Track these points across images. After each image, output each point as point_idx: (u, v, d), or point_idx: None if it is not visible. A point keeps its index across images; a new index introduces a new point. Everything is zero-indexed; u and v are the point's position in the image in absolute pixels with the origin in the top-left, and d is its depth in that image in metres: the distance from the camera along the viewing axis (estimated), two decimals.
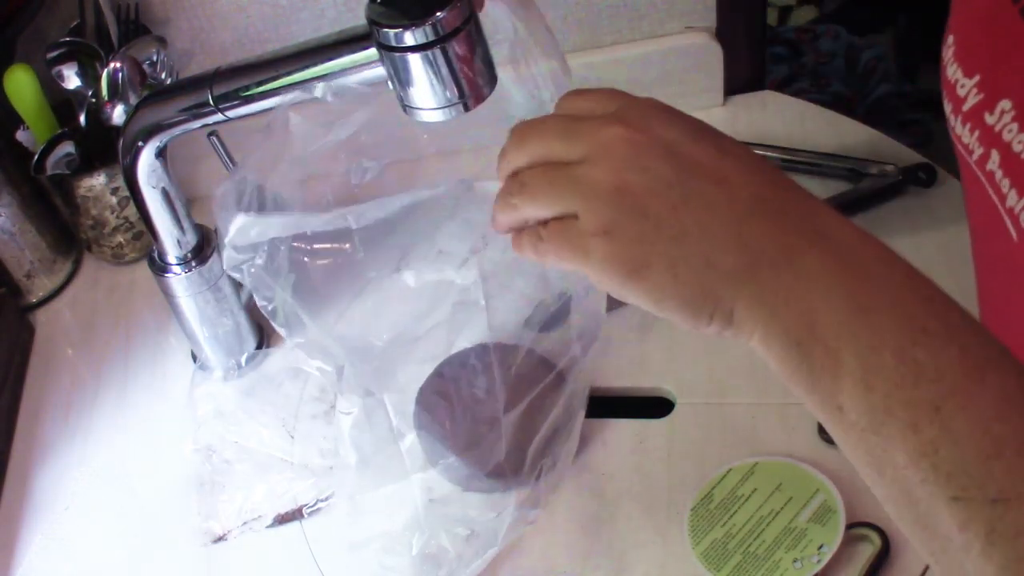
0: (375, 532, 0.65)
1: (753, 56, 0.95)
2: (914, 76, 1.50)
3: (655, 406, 0.74)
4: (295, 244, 0.56)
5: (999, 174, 0.50)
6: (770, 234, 0.39)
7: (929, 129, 1.36)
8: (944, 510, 0.36)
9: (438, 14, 0.49)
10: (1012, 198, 0.49)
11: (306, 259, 0.57)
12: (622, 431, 0.70)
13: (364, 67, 0.54)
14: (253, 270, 0.56)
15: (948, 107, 0.55)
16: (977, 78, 0.52)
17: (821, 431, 0.68)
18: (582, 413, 0.69)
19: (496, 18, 0.54)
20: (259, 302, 0.57)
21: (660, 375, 0.74)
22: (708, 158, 0.41)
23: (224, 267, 0.57)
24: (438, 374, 0.69)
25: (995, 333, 0.39)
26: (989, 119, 0.51)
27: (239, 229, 0.55)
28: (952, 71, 0.54)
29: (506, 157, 0.46)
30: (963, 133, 0.53)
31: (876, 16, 1.56)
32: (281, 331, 0.58)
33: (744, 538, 0.64)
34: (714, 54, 0.92)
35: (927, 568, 0.62)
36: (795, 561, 0.62)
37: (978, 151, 0.52)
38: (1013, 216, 0.50)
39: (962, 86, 0.53)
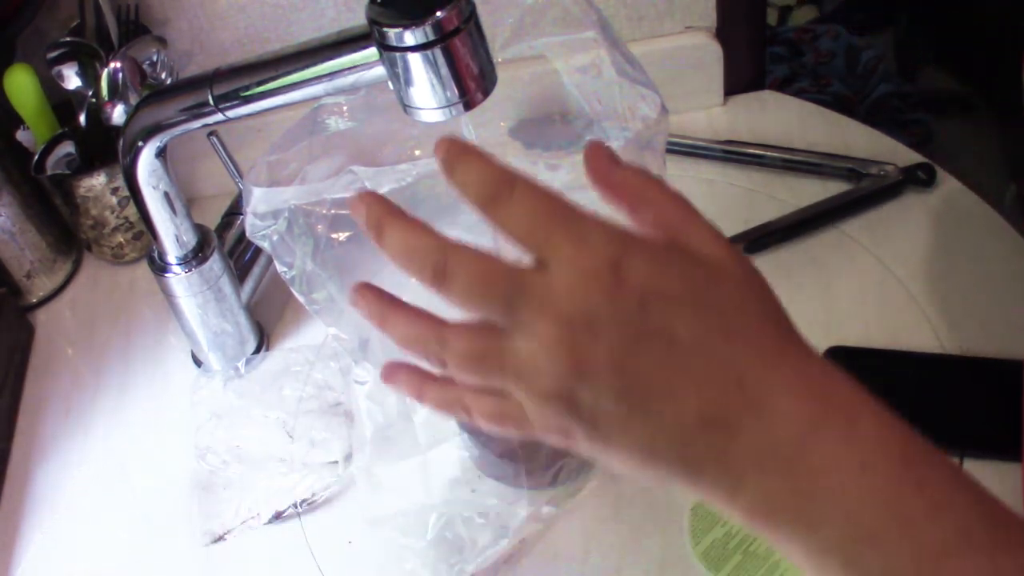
0: (393, 510, 0.65)
1: (753, 56, 0.95)
2: (914, 76, 1.50)
3: None
4: (315, 210, 0.57)
5: None
6: (713, 456, 0.37)
7: (929, 129, 1.36)
8: None
9: (438, 14, 0.49)
10: None
11: (326, 225, 0.57)
12: None
13: (364, 67, 0.54)
14: (275, 237, 0.57)
15: None
16: None
17: None
18: None
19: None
20: (280, 269, 0.58)
21: None
22: (658, 363, 0.37)
23: (247, 234, 0.57)
24: None
25: None
26: None
27: (260, 197, 0.56)
28: None
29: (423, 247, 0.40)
30: None
31: (876, 16, 1.57)
32: (300, 298, 0.58)
33: (744, 538, 0.64)
34: (714, 54, 0.92)
35: None
36: None
37: None
38: None
39: None
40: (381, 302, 0.43)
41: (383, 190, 0.57)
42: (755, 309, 0.38)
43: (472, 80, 0.52)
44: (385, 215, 0.41)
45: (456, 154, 0.40)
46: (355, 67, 0.55)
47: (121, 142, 0.66)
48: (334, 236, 0.58)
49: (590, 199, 0.41)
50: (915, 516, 0.35)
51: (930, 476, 0.36)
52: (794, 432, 0.36)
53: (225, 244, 0.82)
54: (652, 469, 0.38)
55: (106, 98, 0.81)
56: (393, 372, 0.46)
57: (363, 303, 0.43)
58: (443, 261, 0.39)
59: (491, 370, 0.39)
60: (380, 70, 0.53)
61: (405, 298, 0.61)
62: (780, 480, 0.36)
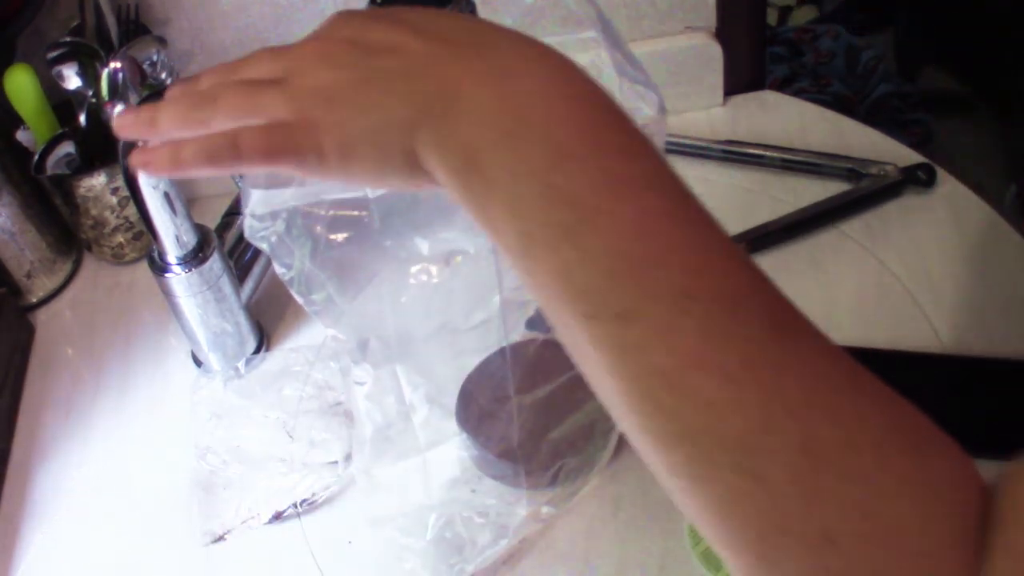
0: (393, 510, 0.65)
1: (753, 56, 0.95)
2: (914, 76, 1.50)
3: None
4: (314, 211, 0.57)
5: None
6: (435, 83, 0.41)
7: (929, 129, 1.36)
8: (582, 330, 0.37)
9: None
10: None
11: (324, 226, 0.57)
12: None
13: None
14: (274, 238, 0.57)
15: None
16: None
17: None
18: None
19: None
20: (278, 270, 0.58)
21: None
22: (383, 36, 0.43)
23: (246, 236, 0.57)
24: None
25: None
26: None
27: (259, 198, 0.56)
28: None
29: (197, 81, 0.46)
30: None
31: (876, 16, 1.57)
32: (299, 299, 0.58)
33: None
34: (714, 54, 0.93)
35: None
36: None
37: None
38: None
39: None
40: (140, 112, 0.46)
41: (382, 190, 0.57)
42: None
43: None
44: (159, 105, 0.46)
45: (129, 129, 0.47)
46: None
47: (121, 142, 0.66)
48: (333, 237, 0.58)
49: None
50: (613, 148, 0.39)
51: (621, 120, 0.40)
52: (506, 64, 0.41)
53: (225, 244, 0.82)
54: (383, 120, 0.42)
55: (106, 98, 0.81)
56: (142, 154, 0.47)
57: (126, 126, 0.47)
58: (207, 92, 0.45)
59: (255, 92, 0.44)
60: None
61: (403, 298, 0.61)
62: (499, 107, 0.40)
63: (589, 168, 0.38)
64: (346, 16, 0.45)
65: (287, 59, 0.44)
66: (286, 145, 0.43)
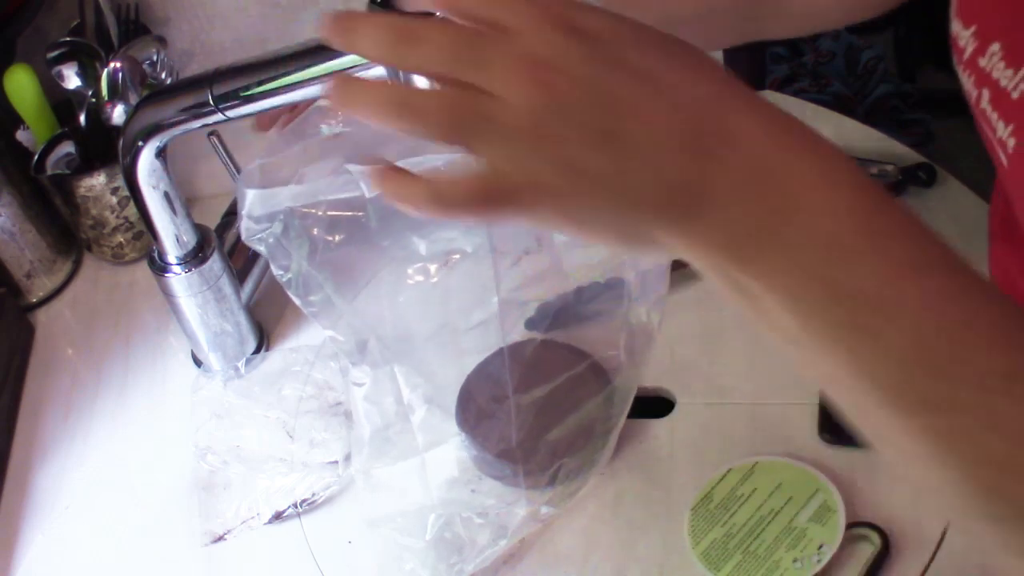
0: (392, 511, 0.65)
1: (753, 56, 0.95)
2: (914, 76, 1.50)
3: (655, 406, 0.74)
4: (311, 212, 0.57)
5: (989, 109, 0.53)
6: (688, 175, 0.37)
7: (929, 129, 1.36)
8: (889, 422, 0.36)
9: (438, 14, 0.49)
10: (1000, 129, 0.51)
11: (322, 228, 0.57)
12: (622, 431, 0.70)
13: (364, 67, 0.54)
14: (271, 240, 0.57)
15: (955, 59, 0.57)
16: (973, 28, 0.54)
17: (821, 431, 0.68)
18: (621, 420, 0.68)
19: None
20: (275, 272, 0.58)
21: (660, 375, 0.74)
22: (629, 91, 0.37)
23: (243, 238, 0.57)
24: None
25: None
26: (982, 62, 0.53)
27: (255, 199, 0.56)
28: (955, 25, 0.56)
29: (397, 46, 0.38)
30: (965, 80, 0.56)
31: (876, 16, 1.56)
32: (297, 300, 0.58)
33: (744, 538, 0.64)
34: (714, 54, 0.92)
35: (927, 568, 0.62)
36: (795, 561, 0.62)
37: (974, 93, 0.54)
38: (1002, 144, 0.52)
39: (962, 38, 0.55)
40: (349, 82, 0.38)
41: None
42: (708, 63, 0.39)
43: None
44: (360, 20, 0.38)
45: (341, 30, 0.38)
46: (355, 67, 0.55)
47: (121, 142, 0.66)
48: (330, 238, 0.58)
49: None
50: (886, 232, 0.36)
51: (887, 200, 0.37)
52: (764, 156, 0.37)
53: (225, 244, 0.82)
54: (627, 202, 0.37)
55: (106, 98, 0.81)
56: (380, 171, 0.40)
57: (332, 85, 0.39)
58: (412, 30, 0.37)
59: (464, 120, 0.37)
60: (380, 70, 0.53)
61: (401, 299, 0.61)
62: (757, 203, 0.36)
63: (868, 259, 0.36)
64: (575, 6, 0.38)
65: (494, 38, 0.37)
66: (505, 208, 0.38)
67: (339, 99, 0.38)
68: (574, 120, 0.36)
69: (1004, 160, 0.53)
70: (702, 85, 0.38)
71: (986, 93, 0.53)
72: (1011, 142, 0.51)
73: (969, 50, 0.55)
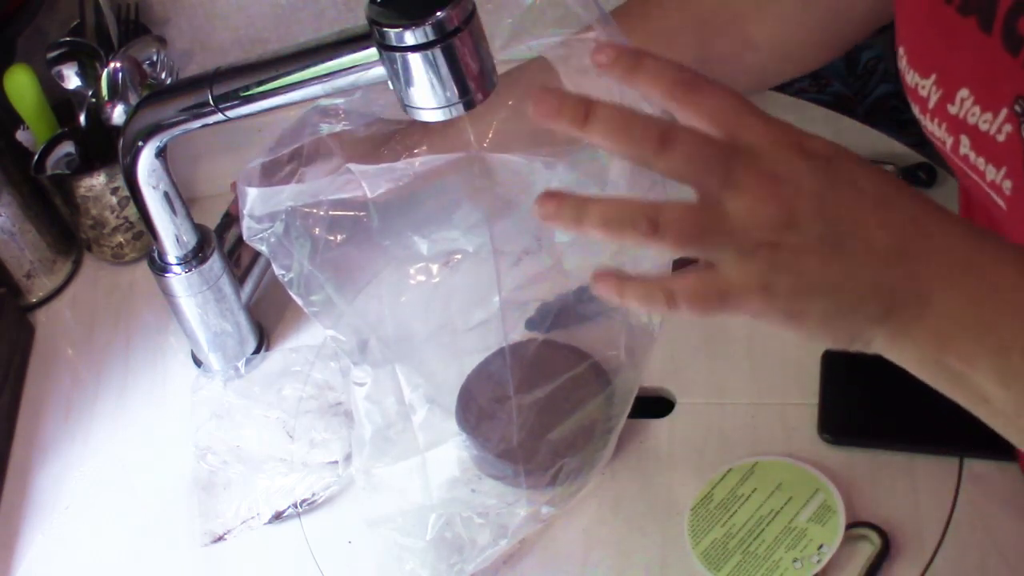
0: (392, 511, 0.65)
1: None
2: None
3: (655, 406, 0.74)
4: (313, 212, 0.57)
5: (972, 155, 0.55)
6: (903, 280, 0.43)
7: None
8: None
9: (438, 14, 0.49)
10: (991, 172, 0.53)
11: (323, 227, 0.57)
12: (622, 431, 0.70)
13: (364, 67, 0.54)
14: (273, 239, 0.57)
15: (915, 109, 0.60)
16: (933, 77, 0.57)
17: (821, 431, 0.68)
18: (622, 420, 0.68)
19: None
20: (277, 271, 0.58)
21: (660, 375, 0.74)
22: (847, 212, 0.43)
23: (244, 237, 0.57)
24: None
25: None
26: (952, 109, 0.55)
27: (256, 199, 0.56)
28: (911, 77, 0.59)
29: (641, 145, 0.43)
30: (934, 128, 0.57)
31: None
32: (298, 300, 0.58)
33: (744, 538, 0.64)
34: None
35: (927, 568, 0.62)
36: (795, 561, 0.62)
37: (949, 140, 0.56)
38: (996, 188, 0.53)
39: (922, 87, 0.58)
40: (567, 201, 0.43)
41: (380, 189, 0.57)
42: (899, 180, 0.46)
43: (472, 80, 0.52)
44: (590, 102, 0.42)
45: (634, 59, 0.44)
46: (355, 67, 0.55)
47: (121, 142, 0.66)
48: (332, 238, 0.58)
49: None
50: None
51: None
52: (964, 251, 0.43)
53: (225, 244, 0.82)
54: (848, 306, 0.43)
55: (106, 98, 0.81)
56: (602, 276, 0.45)
57: (551, 208, 0.43)
58: (663, 134, 0.42)
59: (708, 232, 0.42)
60: (380, 70, 0.53)
61: (402, 299, 0.61)
62: (960, 292, 0.43)
63: None
64: (798, 131, 0.45)
65: (737, 151, 0.43)
66: (724, 300, 0.43)
67: (570, 220, 0.43)
68: (811, 234, 0.42)
69: (1001, 203, 0.54)
70: (904, 193, 0.44)
71: (965, 139, 0.55)
72: (1007, 184, 0.53)
73: (934, 99, 0.56)
